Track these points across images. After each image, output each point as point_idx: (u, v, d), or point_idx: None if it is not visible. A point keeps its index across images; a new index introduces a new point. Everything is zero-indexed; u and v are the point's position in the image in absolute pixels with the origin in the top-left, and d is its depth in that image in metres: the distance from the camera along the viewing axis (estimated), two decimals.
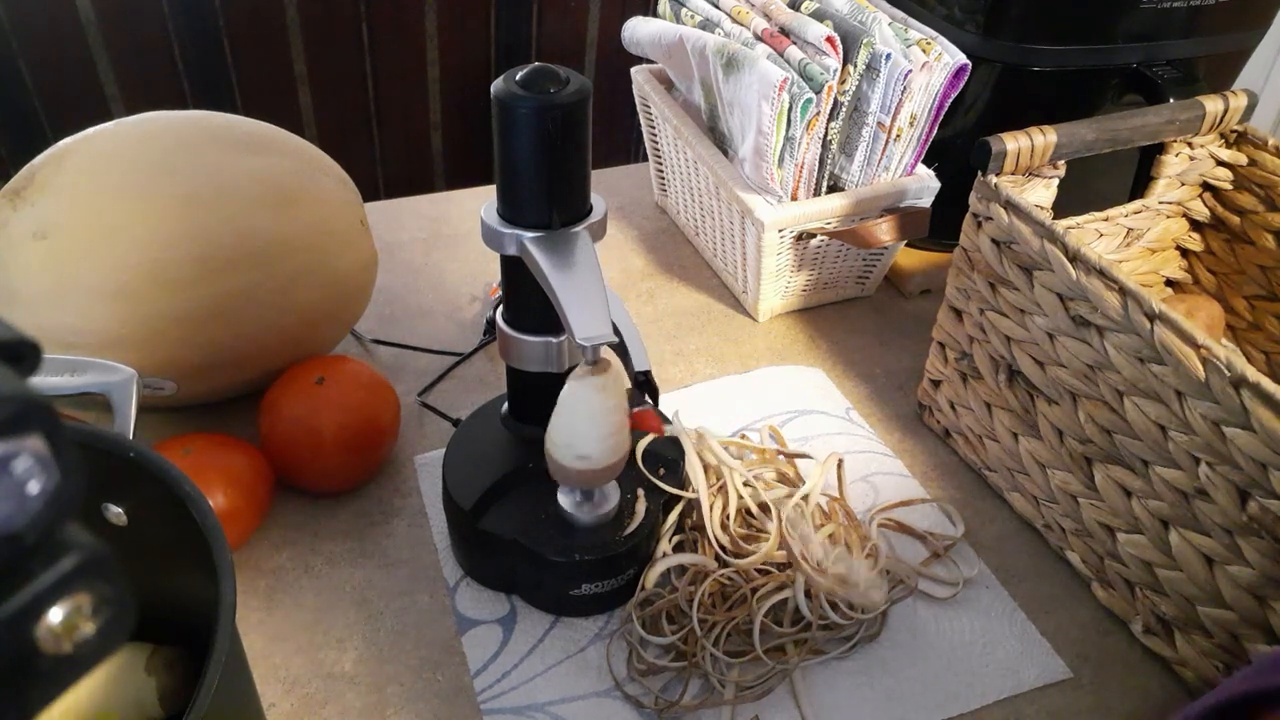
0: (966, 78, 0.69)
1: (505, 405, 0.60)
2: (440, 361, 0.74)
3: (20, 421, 0.16)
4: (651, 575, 0.56)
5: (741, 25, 0.75)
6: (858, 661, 0.55)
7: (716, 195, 0.79)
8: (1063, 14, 0.70)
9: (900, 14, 0.73)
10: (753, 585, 0.55)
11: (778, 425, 0.69)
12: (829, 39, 0.68)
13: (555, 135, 0.45)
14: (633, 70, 0.90)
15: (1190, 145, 0.69)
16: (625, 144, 1.57)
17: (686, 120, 0.81)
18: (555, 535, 0.54)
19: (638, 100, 0.90)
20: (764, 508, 0.58)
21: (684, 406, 0.70)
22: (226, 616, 0.33)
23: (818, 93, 0.68)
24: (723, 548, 0.56)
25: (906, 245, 0.85)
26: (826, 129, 0.71)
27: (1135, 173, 0.71)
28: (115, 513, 0.40)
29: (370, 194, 0.85)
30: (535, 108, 0.45)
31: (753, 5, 0.77)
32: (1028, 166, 0.60)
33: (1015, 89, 0.74)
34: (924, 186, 0.75)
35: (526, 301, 0.52)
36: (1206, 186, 0.71)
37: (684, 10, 0.82)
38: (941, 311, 0.66)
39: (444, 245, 0.87)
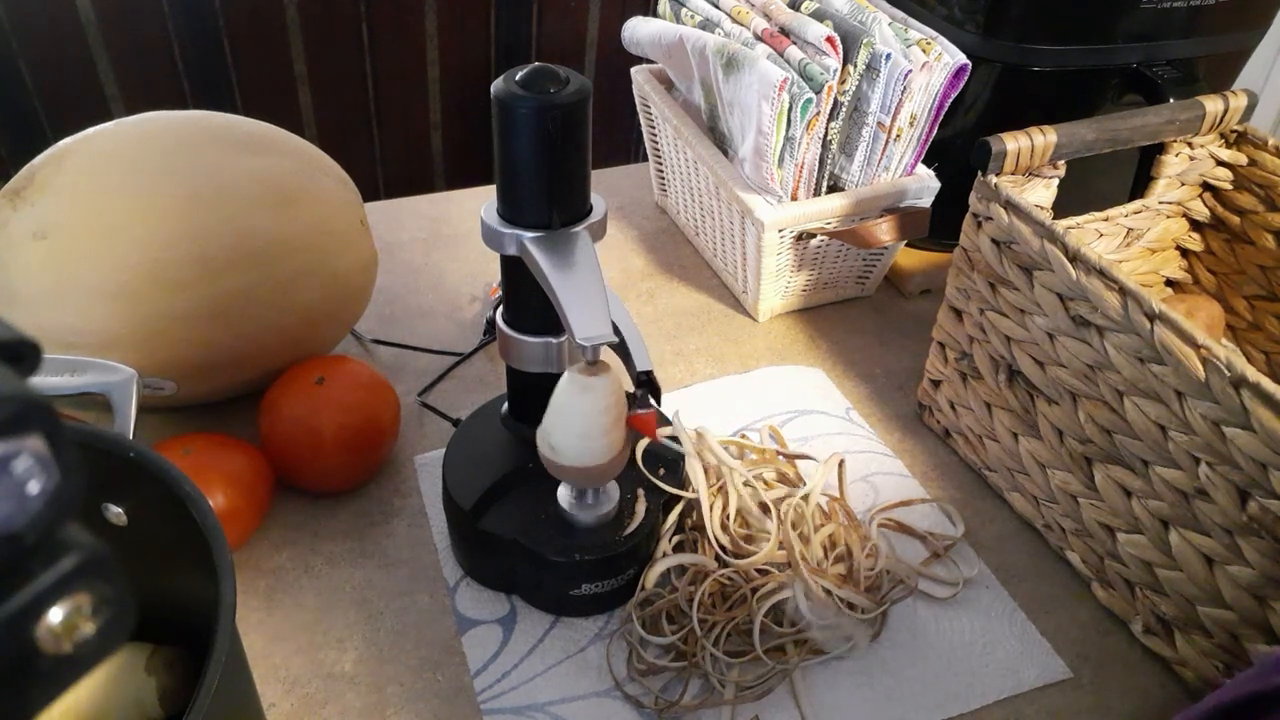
0: (966, 78, 0.69)
1: (505, 405, 0.60)
2: (440, 361, 0.74)
3: (20, 421, 0.16)
4: (651, 575, 0.56)
5: (741, 25, 0.75)
6: (858, 661, 0.55)
7: (716, 195, 0.79)
8: (1063, 14, 0.70)
9: (900, 14, 0.73)
10: (753, 585, 0.55)
11: (778, 425, 0.69)
12: (829, 39, 0.68)
13: (555, 135, 0.45)
14: (633, 70, 0.90)
15: (1190, 145, 0.69)
16: (625, 144, 1.57)
17: (686, 120, 0.81)
18: (555, 535, 0.54)
19: (638, 100, 0.90)
20: (764, 508, 0.58)
21: (684, 406, 0.70)
22: (226, 616, 0.33)
23: (818, 93, 0.68)
24: (723, 548, 0.56)
25: (906, 245, 0.85)
26: (826, 129, 0.71)
27: (1135, 173, 0.71)
28: (115, 513, 0.40)
29: (370, 194, 0.85)
30: (535, 108, 0.45)
31: (753, 5, 0.77)
32: (1028, 166, 0.60)
33: (1015, 89, 0.74)
34: (924, 186, 0.75)
35: (526, 302, 0.52)
36: (1206, 186, 0.71)
37: (684, 10, 0.82)
38: (941, 311, 0.66)
39: (444, 245, 0.87)
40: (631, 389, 0.50)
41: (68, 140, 0.58)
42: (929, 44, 0.69)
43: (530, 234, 0.48)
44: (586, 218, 0.49)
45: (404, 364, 0.73)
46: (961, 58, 0.68)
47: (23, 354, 0.18)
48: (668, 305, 0.82)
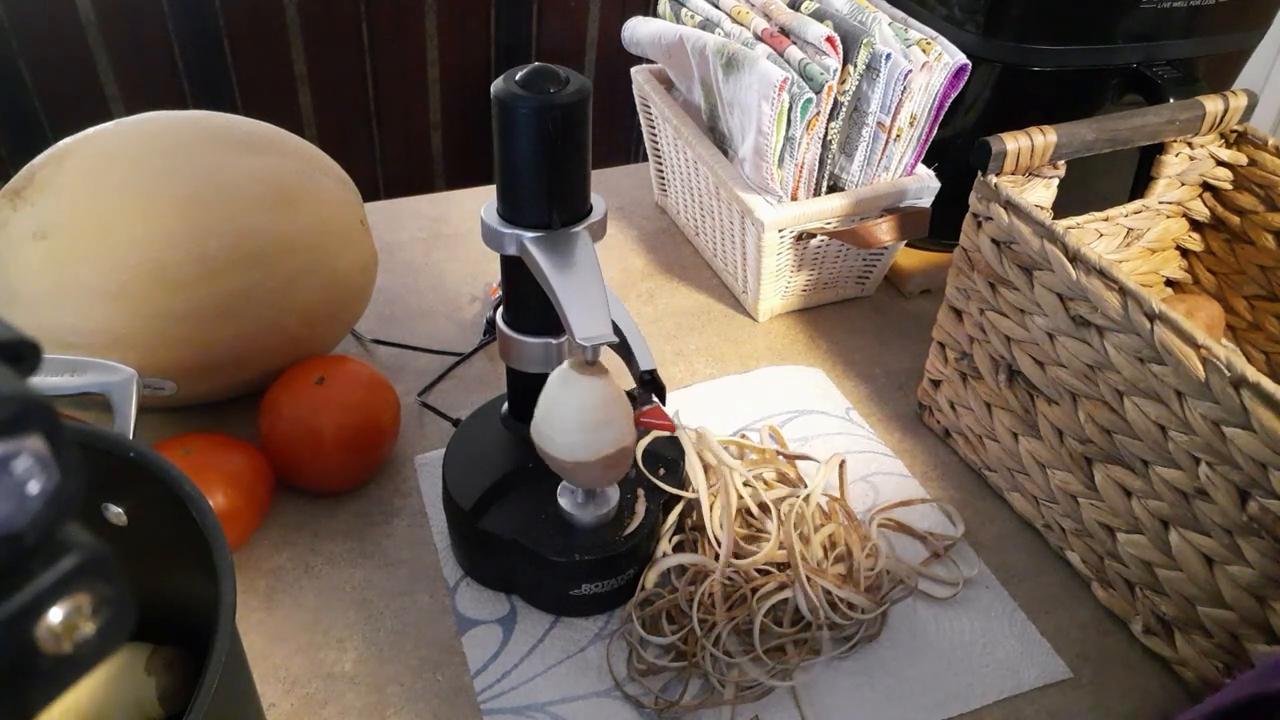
0: (966, 78, 0.69)
1: (505, 405, 0.60)
2: (440, 361, 0.74)
3: (20, 421, 0.16)
4: (651, 575, 0.56)
5: (741, 25, 0.75)
6: (858, 661, 0.55)
7: (716, 195, 0.79)
8: (1063, 14, 0.70)
9: (900, 14, 0.73)
10: (753, 585, 0.55)
11: (778, 425, 0.69)
12: (829, 39, 0.68)
13: (555, 135, 0.45)
14: (633, 70, 0.90)
15: (1190, 145, 0.69)
16: (625, 144, 1.57)
17: (686, 120, 0.81)
18: (555, 535, 0.54)
19: (638, 100, 0.90)
20: (764, 508, 0.58)
21: (684, 406, 0.70)
22: (226, 616, 0.33)
23: (818, 93, 0.68)
24: (723, 547, 0.56)
25: (906, 245, 0.85)
26: (826, 129, 0.71)
27: (1135, 173, 0.71)
28: (115, 513, 0.40)
29: (370, 194, 0.85)
30: (535, 108, 0.44)
31: (753, 5, 0.77)
32: (1028, 166, 0.60)
33: (1015, 89, 0.74)
34: (924, 186, 0.75)
35: (526, 302, 0.52)
36: (1206, 186, 0.71)
37: (684, 10, 0.82)
38: (941, 311, 0.66)
39: (444, 245, 0.87)
40: (632, 390, 0.50)
41: (68, 140, 0.58)
42: (929, 44, 0.69)
43: (530, 234, 0.48)
44: (586, 218, 0.49)
45: (404, 364, 0.73)
46: (961, 58, 0.68)
47: (23, 354, 0.18)
48: (668, 305, 0.82)
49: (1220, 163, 0.70)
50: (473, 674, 0.53)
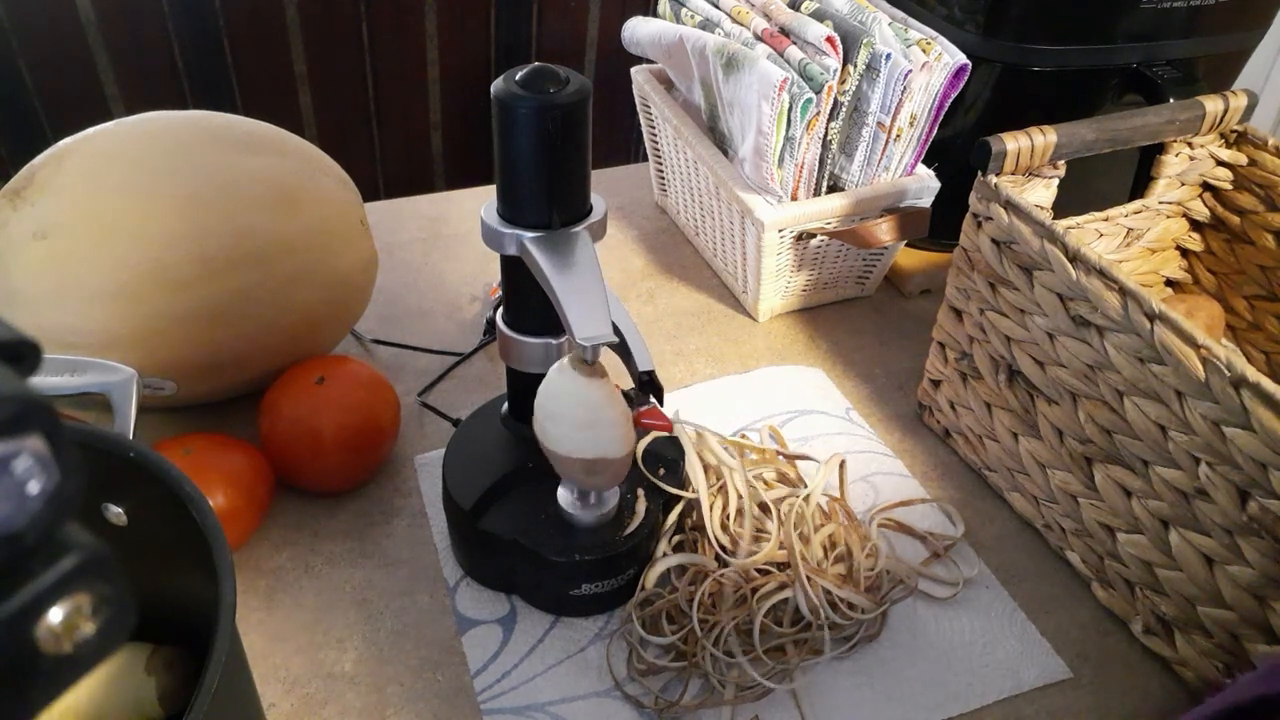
0: (966, 78, 0.69)
1: (505, 405, 0.60)
2: (440, 361, 0.74)
3: (20, 421, 0.16)
4: (651, 575, 0.56)
5: (741, 25, 0.75)
6: (858, 661, 0.55)
7: (716, 195, 0.79)
8: (1063, 14, 0.70)
9: (900, 14, 0.73)
10: (753, 585, 0.55)
11: (778, 425, 0.69)
12: (829, 39, 0.68)
13: (555, 135, 0.45)
14: (633, 70, 0.90)
15: (1190, 145, 0.69)
16: (625, 144, 1.57)
17: (686, 120, 0.81)
18: (555, 535, 0.54)
19: (638, 100, 0.90)
20: (764, 508, 0.58)
21: (684, 406, 0.70)
22: (226, 616, 0.33)
23: (818, 93, 0.68)
24: (723, 547, 0.56)
25: (906, 245, 0.85)
26: (826, 129, 0.71)
27: (1135, 173, 0.71)
28: (115, 513, 0.40)
29: (370, 194, 0.85)
30: (535, 108, 0.44)
31: (753, 5, 0.77)
32: (1028, 166, 0.60)
33: (1015, 89, 0.74)
34: (924, 186, 0.75)
35: (526, 302, 0.52)
36: (1206, 186, 0.71)
37: (684, 10, 0.82)
38: (941, 311, 0.66)
39: (444, 245, 0.87)
40: (630, 390, 0.50)
41: (68, 140, 0.58)
42: (929, 44, 0.69)
43: (530, 234, 0.48)
44: (586, 218, 0.49)
45: (404, 364, 0.73)
46: (961, 58, 0.68)
47: (23, 354, 0.18)
48: (668, 305, 0.82)
49: (1220, 163, 0.70)
50: (473, 674, 0.53)
